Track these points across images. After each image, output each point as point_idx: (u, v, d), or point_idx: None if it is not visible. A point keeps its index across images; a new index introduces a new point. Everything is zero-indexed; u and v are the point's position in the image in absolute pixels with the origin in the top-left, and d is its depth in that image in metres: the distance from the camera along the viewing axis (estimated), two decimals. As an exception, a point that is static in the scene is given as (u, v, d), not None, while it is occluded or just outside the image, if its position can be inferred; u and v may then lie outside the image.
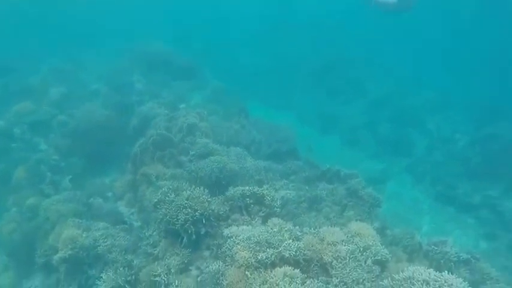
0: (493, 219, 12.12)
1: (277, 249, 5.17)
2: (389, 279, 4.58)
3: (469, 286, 5.14)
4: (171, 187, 7.46)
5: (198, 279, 6.03)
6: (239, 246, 5.27)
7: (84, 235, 7.29)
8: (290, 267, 4.81)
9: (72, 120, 12.29)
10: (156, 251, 6.93)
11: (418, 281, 4.31)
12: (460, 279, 4.26)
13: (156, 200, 7.33)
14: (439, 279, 4.26)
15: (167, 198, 6.95)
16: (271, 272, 4.80)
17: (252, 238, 5.35)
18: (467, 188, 13.24)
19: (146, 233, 7.45)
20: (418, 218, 12.77)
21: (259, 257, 5.03)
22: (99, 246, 7.01)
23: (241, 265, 5.00)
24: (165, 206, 6.79)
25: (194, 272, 6.29)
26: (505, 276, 9.76)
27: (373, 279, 4.88)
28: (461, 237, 11.60)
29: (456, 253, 6.51)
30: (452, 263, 6.41)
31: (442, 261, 6.44)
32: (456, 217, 12.63)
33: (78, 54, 19.31)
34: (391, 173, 15.51)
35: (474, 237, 11.60)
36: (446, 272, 4.43)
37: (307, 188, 9.40)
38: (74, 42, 21.39)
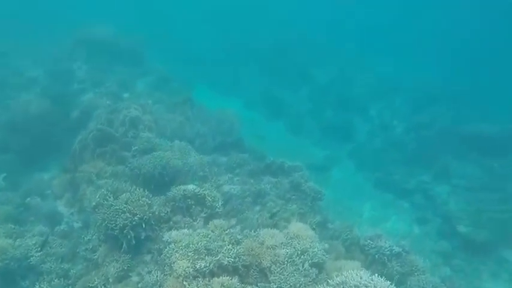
0: (425, 203, 13.03)
1: (216, 256, 5.15)
2: (325, 284, 4.75)
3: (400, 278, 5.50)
4: (110, 189, 7.14)
5: (139, 285, 5.90)
6: (178, 255, 5.19)
7: (16, 243, 6.80)
8: (228, 277, 4.82)
9: (5, 112, 11.26)
10: (95, 257, 6.66)
11: (351, 286, 4.51)
12: (388, 283, 4.51)
13: (94, 204, 7.00)
14: (370, 284, 4.48)
15: (105, 202, 6.65)
16: (209, 282, 4.78)
17: (191, 246, 5.28)
18: (404, 174, 14.05)
19: (85, 238, 7.12)
20: (360, 204, 13.39)
21: (197, 266, 4.99)
22: (32, 256, 6.58)
23: (180, 275, 4.93)
24: (104, 211, 6.50)
25: (135, 278, 6.13)
26: (432, 260, 10.78)
27: (309, 283, 5.05)
28: (397, 223, 12.38)
29: (389, 247, 6.94)
30: (385, 257, 6.84)
31: (376, 256, 6.84)
32: (394, 203, 13.41)
33: (15, 38, 17.56)
34: (335, 160, 16.05)
35: (409, 222, 12.43)
36: (376, 275, 4.67)
37: (252, 181, 9.46)
38: (10, 24, 19.43)
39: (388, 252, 6.86)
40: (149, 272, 5.83)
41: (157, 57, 20.08)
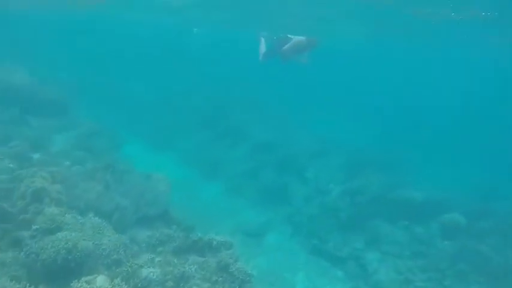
0: (358, 272, 12.83)
1: None
2: None
3: None
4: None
5: None
6: None
7: None
8: None
9: None
10: None
11: None
12: None
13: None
14: None
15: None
16: None
17: None
18: (338, 241, 13.91)
19: None
20: (294, 273, 12.87)
21: None
22: None
23: None
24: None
25: None
26: None
27: None
28: (330, 294, 11.99)
29: None
30: None
31: None
32: (328, 272, 13.08)
33: None
34: (271, 225, 15.61)
35: (341, 293, 12.10)
36: None
37: (175, 261, 8.60)
38: None
39: None
40: None
41: (86, 107, 18.92)
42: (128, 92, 23.91)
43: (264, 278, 12.11)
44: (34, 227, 7.40)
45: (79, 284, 5.97)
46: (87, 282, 6.05)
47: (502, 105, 34.46)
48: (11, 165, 9.43)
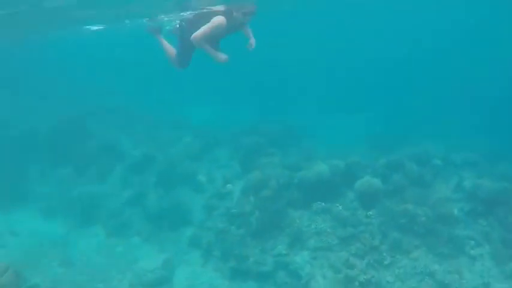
0: (292, 283, 10.83)
1: None
2: None
3: None
4: None
5: None
6: None
7: None
8: None
9: None
10: None
11: None
12: None
13: None
14: None
15: None
16: None
17: None
18: (257, 253, 11.63)
19: None
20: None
21: None
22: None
23: None
24: None
25: None
26: None
27: None
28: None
29: None
30: None
31: None
32: (257, 295, 10.80)
33: None
34: (176, 257, 12.61)
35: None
36: None
37: None
38: None
39: None
40: None
41: None
42: None
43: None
44: None
45: None
46: None
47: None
48: None
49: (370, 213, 11.47)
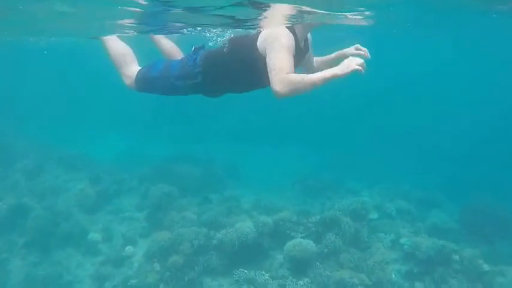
0: None
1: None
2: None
3: None
4: None
5: None
6: None
7: None
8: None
9: None
10: None
11: None
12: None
13: None
14: None
15: None
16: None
17: None
18: None
19: None
20: None
21: None
22: None
23: None
24: None
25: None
26: None
27: None
28: None
29: None
30: None
31: None
32: None
33: None
34: None
35: None
36: None
37: None
38: None
39: None
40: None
41: None
42: None
43: None
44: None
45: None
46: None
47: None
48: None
49: (301, 282, 9.43)
